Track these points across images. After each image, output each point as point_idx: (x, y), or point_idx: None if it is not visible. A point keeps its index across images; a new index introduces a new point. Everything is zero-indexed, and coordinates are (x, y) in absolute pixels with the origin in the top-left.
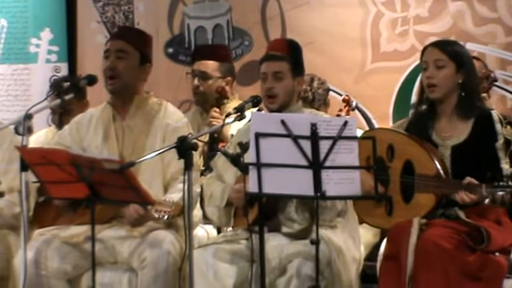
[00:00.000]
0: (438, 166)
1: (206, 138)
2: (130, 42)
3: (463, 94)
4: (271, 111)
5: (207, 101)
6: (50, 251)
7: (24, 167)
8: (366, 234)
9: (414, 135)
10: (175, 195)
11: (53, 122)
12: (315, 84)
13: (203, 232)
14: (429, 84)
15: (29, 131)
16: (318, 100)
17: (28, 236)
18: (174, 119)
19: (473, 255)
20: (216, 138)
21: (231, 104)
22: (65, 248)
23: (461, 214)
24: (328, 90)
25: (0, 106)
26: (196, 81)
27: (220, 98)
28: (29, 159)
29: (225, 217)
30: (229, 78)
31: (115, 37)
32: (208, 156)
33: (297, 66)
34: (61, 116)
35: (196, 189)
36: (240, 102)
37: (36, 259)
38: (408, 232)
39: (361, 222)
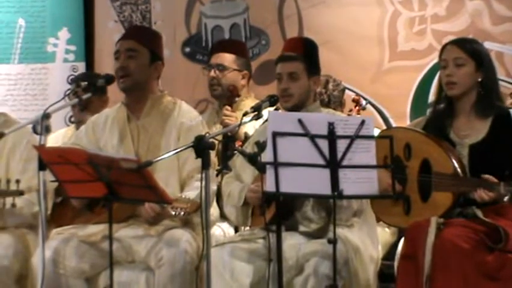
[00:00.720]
0: (456, 164)
1: (220, 136)
2: (140, 41)
3: (482, 92)
4: (286, 110)
5: (223, 93)
6: (68, 250)
7: (42, 166)
8: (384, 234)
9: (432, 134)
10: (192, 192)
11: (73, 116)
12: (330, 86)
13: (220, 231)
14: (449, 82)
15: (47, 130)
16: (333, 102)
17: (46, 235)
18: (189, 117)
19: (492, 255)
20: (231, 137)
21: (247, 103)
22: (83, 247)
23: (479, 213)
24: (343, 90)
25: (18, 105)
26: (212, 73)
27: (232, 96)
28: (47, 159)
29: (243, 216)
30: (245, 72)
31: (124, 37)
32: (224, 155)
33: (312, 65)
34: (81, 112)
35: (213, 187)
36: (256, 101)
37: (54, 258)
38: (426, 231)
39: (378, 220)
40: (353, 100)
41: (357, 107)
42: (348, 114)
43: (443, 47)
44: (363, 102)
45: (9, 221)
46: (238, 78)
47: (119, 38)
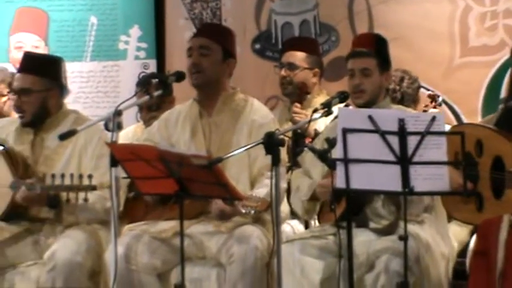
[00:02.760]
0: None
1: (290, 134)
2: (212, 38)
3: None
4: (358, 106)
5: (294, 91)
6: (140, 246)
7: (113, 163)
8: (461, 232)
9: (504, 130)
10: (262, 190)
11: (141, 118)
12: (405, 83)
13: (289, 228)
14: None
15: (119, 127)
16: (407, 100)
17: (118, 231)
18: (260, 115)
19: None
20: (300, 134)
21: (318, 99)
22: (155, 243)
23: None
24: (418, 88)
25: (90, 102)
26: (283, 72)
27: (301, 94)
28: (119, 155)
29: (309, 209)
30: (316, 69)
31: (197, 34)
32: (294, 152)
33: (384, 61)
34: (148, 112)
35: (283, 184)
36: (328, 97)
37: (126, 254)
38: (498, 228)
39: (450, 218)
40: (429, 96)
41: (433, 103)
42: (424, 110)
43: None
44: (440, 98)
45: (81, 216)
46: (309, 76)
47: (190, 35)
